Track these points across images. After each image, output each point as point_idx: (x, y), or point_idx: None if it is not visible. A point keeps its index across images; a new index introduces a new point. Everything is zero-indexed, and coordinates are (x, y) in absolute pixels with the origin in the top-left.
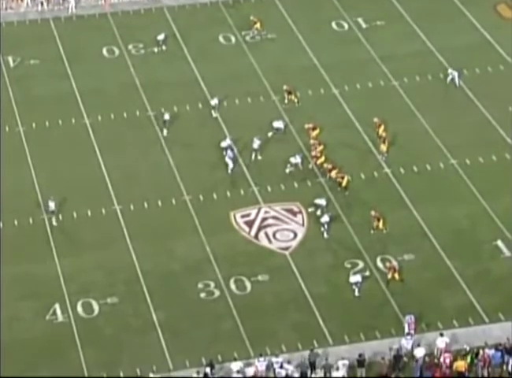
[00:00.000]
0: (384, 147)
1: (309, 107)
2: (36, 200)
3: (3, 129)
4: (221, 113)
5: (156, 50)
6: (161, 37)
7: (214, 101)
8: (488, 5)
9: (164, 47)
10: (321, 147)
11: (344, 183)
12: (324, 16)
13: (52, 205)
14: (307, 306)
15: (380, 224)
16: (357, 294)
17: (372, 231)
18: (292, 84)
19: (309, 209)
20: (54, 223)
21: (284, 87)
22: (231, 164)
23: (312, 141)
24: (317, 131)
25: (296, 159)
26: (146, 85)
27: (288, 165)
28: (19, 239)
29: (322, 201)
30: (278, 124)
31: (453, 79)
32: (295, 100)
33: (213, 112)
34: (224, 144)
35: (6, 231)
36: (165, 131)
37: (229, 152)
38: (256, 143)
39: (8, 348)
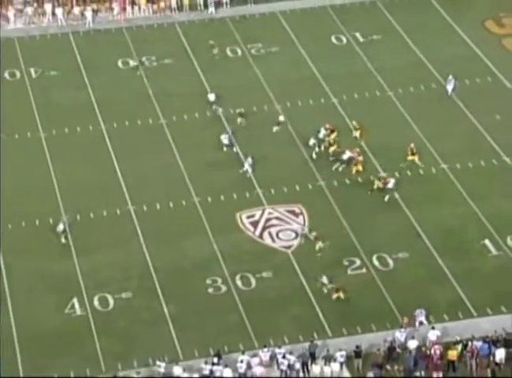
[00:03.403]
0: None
1: (311, 115)
2: (56, 201)
3: (25, 135)
4: (228, 119)
5: (138, 72)
6: (133, 63)
7: (212, 97)
8: (477, 21)
9: (139, 72)
10: (334, 135)
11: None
12: (324, 31)
13: (61, 226)
14: (308, 301)
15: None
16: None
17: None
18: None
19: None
20: (63, 240)
21: (327, 126)
22: (250, 170)
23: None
24: (335, 134)
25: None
26: (158, 94)
27: None
28: (40, 237)
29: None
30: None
31: (450, 87)
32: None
33: (214, 107)
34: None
35: (28, 231)
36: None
37: (249, 159)
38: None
39: (30, 339)
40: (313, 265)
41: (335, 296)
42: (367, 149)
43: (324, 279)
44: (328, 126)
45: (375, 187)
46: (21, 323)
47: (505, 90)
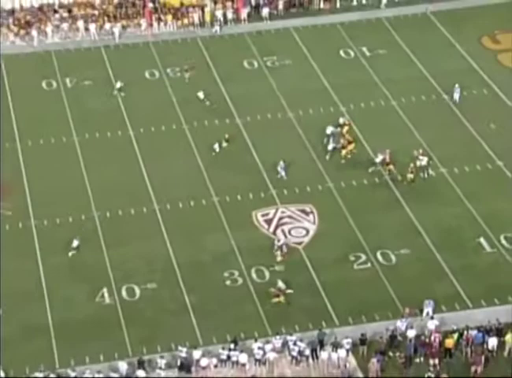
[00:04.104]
0: (350, 147)
1: (321, 122)
2: (88, 200)
3: (60, 139)
4: (244, 125)
5: (115, 92)
6: (118, 85)
7: (201, 94)
8: (474, 38)
9: (122, 94)
10: (352, 146)
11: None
12: (333, 46)
13: (76, 242)
14: (317, 292)
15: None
16: None
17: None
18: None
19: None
20: (70, 254)
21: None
22: (283, 173)
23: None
24: (347, 128)
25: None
26: (181, 102)
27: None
28: (73, 232)
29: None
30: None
31: (458, 94)
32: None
33: (207, 102)
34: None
35: (62, 227)
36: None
37: (281, 163)
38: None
39: (62, 326)
40: (322, 260)
41: (275, 300)
42: (372, 153)
43: (281, 284)
44: (344, 122)
45: (408, 178)
46: (56, 311)
47: (499, 101)
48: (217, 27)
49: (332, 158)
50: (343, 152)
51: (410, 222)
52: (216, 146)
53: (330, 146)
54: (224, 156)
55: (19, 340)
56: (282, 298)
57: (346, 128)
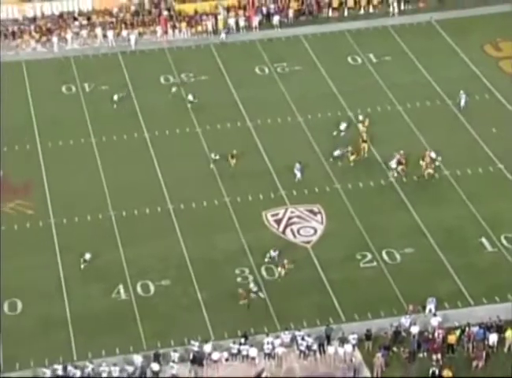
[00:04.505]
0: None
1: (329, 126)
2: (105, 199)
3: (79, 141)
4: (255, 128)
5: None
6: (116, 97)
7: (190, 97)
8: (476, 45)
9: (115, 106)
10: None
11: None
12: (341, 52)
13: (88, 255)
14: (324, 290)
15: None
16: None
17: None
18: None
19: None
20: (82, 266)
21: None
22: (298, 175)
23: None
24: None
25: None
26: (194, 106)
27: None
28: (91, 231)
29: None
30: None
31: (464, 100)
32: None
33: (190, 97)
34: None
35: (80, 225)
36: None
37: (297, 165)
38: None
39: (81, 320)
40: (329, 258)
41: (242, 302)
42: (378, 156)
43: (252, 285)
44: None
45: (427, 174)
46: (74, 306)
47: (501, 106)
48: (223, 35)
49: (340, 161)
50: (353, 157)
51: (414, 222)
52: (213, 156)
53: (336, 153)
54: (236, 158)
55: (39, 333)
56: (246, 301)
57: (366, 123)
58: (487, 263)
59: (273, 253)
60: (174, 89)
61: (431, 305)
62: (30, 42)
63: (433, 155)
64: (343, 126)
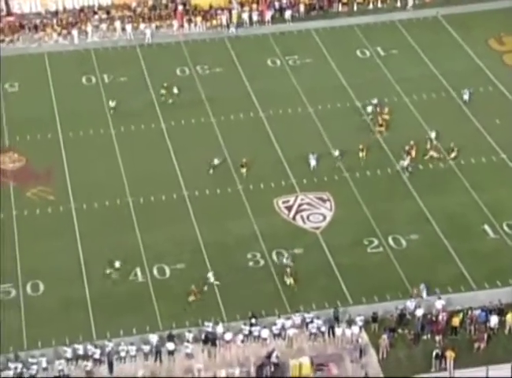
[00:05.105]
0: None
1: (338, 116)
2: (123, 187)
3: (98, 131)
4: (267, 119)
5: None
6: (113, 104)
7: (175, 90)
8: (481, 39)
9: (112, 111)
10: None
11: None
12: (350, 46)
13: (117, 263)
14: (333, 274)
15: None
16: None
17: None
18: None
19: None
20: (114, 276)
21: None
22: (313, 163)
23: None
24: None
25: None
26: (209, 98)
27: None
28: (109, 216)
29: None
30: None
31: (468, 96)
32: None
33: (175, 90)
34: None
35: (100, 211)
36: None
37: (311, 155)
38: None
39: (100, 301)
40: (338, 244)
41: (190, 299)
42: (385, 145)
43: (210, 275)
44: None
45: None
46: (93, 288)
47: (504, 98)
48: (232, 29)
49: (348, 152)
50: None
51: (420, 210)
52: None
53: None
54: (248, 147)
55: (60, 313)
56: (194, 297)
57: (386, 110)
58: (490, 249)
59: (285, 261)
60: (163, 91)
61: (423, 292)
62: (52, 34)
63: (433, 135)
64: (369, 108)
